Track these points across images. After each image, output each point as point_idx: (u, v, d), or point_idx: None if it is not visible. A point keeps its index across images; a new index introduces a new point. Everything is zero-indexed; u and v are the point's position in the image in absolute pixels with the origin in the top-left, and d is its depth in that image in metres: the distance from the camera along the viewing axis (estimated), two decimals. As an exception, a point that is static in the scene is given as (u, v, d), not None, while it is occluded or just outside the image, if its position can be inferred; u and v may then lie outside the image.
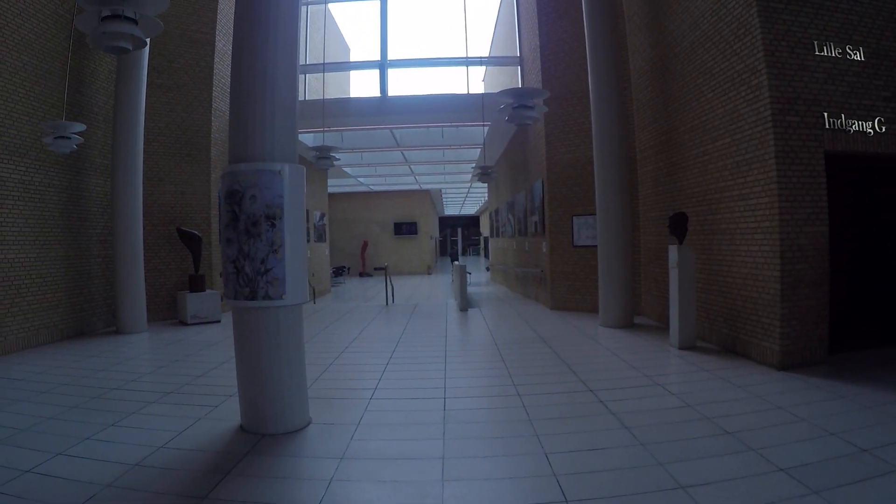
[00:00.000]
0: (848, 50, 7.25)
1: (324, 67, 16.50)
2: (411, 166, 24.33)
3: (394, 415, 5.74)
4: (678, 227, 8.54)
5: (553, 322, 11.45)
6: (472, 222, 61.77)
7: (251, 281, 5.04)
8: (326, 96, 15.17)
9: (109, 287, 11.32)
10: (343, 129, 17.22)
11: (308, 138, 16.63)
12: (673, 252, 8.48)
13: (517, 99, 8.88)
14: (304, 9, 17.26)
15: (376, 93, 15.91)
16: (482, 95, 14.69)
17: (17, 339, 9.12)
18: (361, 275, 31.49)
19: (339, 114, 15.23)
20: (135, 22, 5.26)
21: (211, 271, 12.61)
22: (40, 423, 5.45)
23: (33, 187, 9.60)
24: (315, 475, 4.26)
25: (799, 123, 7.04)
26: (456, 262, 16.16)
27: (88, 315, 10.92)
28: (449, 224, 61.62)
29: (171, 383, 7.02)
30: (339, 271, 27.87)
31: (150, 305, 11.69)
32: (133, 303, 10.83)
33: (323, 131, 15.09)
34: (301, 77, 16.12)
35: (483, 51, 21.51)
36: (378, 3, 16.87)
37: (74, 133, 8.96)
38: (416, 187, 32.53)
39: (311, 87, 17.10)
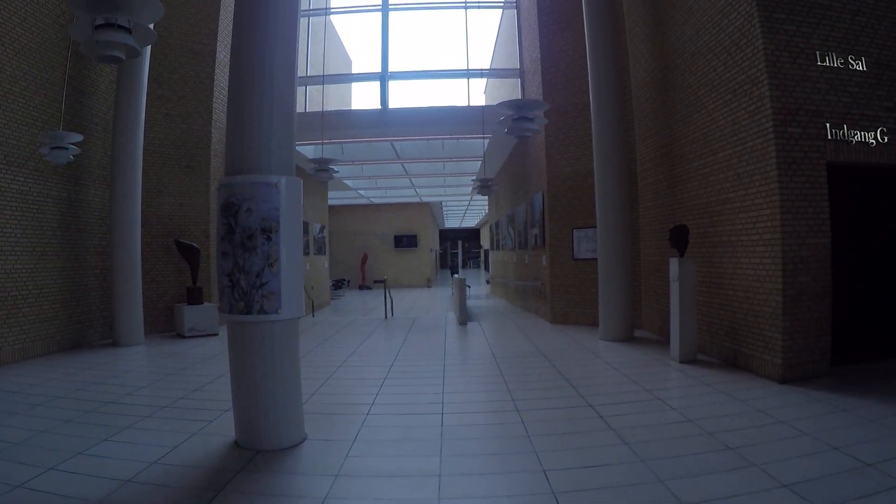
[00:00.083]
0: (850, 60, 7.21)
1: (323, 79, 16.51)
2: (412, 179, 24.33)
3: (390, 430, 5.66)
4: (679, 239, 8.48)
5: (553, 336, 11.38)
6: (472, 235, 61.81)
7: (246, 295, 4.97)
8: (328, 108, 15.16)
9: (106, 299, 11.22)
10: (343, 142, 17.21)
11: (308, 150, 16.61)
12: (674, 265, 8.42)
13: (517, 111, 8.84)
14: (305, 21, 17.33)
15: (378, 105, 15.89)
16: (483, 108, 14.67)
17: (13, 350, 9.04)
18: (361, 287, 31.45)
19: (340, 126, 15.21)
20: (129, 31, 5.22)
21: (209, 284, 12.53)
22: (34, 436, 5.37)
23: (31, 198, 9.55)
24: (309, 493, 4.18)
25: (801, 135, 7.00)
26: (456, 276, 16.09)
27: (85, 327, 10.85)
28: (449, 237, 61.62)
29: (167, 397, 6.93)
30: (338, 284, 27.80)
31: (148, 318, 11.60)
32: (130, 315, 10.74)
33: (322, 143, 15.06)
34: (301, 89, 16.17)
35: (484, 63, 21.53)
36: (379, 15, 16.90)
37: (71, 143, 8.92)
38: (416, 200, 32.53)
39: (312, 99, 17.11)
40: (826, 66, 7.14)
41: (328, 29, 19.25)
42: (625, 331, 10.45)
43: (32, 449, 5.03)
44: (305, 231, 19.13)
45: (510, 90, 17.00)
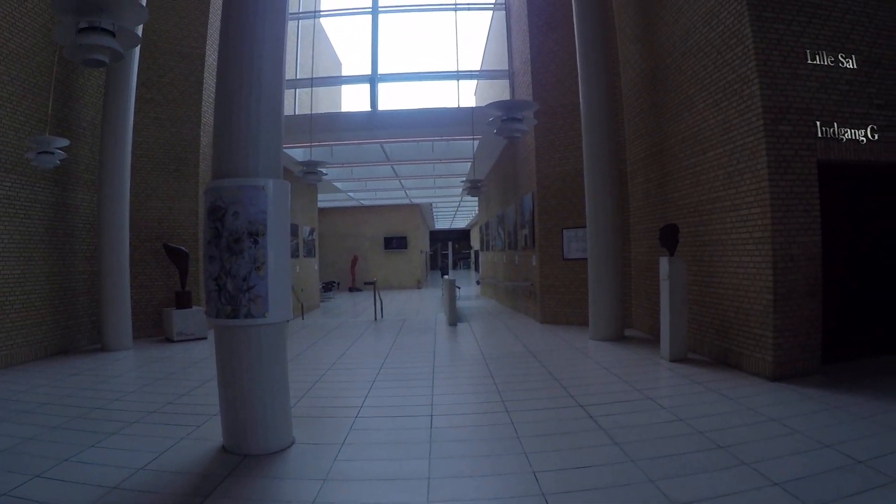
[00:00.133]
0: (840, 58, 7.22)
1: (311, 82, 16.45)
2: (401, 181, 24.26)
3: (379, 433, 5.61)
4: (669, 238, 8.47)
5: (543, 336, 11.35)
6: (462, 236, 61.75)
7: (233, 299, 4.91)
8: (319, 111, 15.10)
9: (94, 304, 11.10)
10: (333, 144, 17.13)
11: (298, 153, 16.53)
12: (664, 264, 8.41)
13: (506, 111, 8.81)
14: (295, 23, 17.27)
15: (367, 107, 15.83)
16: (472, 109, 14.61)
17: (0, 356, 8.93)
18: (351, 289, 31.32)
19: (329, 128, 15.13)
20: (112, 34, 5.16)
21: (198, 288, 12.41)
22: (20, 443, 5.28)
23: (19, 203, 9.44)
24: (297, 498, 4.12)
25: (791, 133, 7.00)
26: (445, 277, 16.04)
27: (73, 332, 10.73)
28: (439, 238, 61.52)
29: (154, 402, 6.84)
30: (328, 286, 27.69)
31: (136, 322, 11.48)
32: (118, 320, 10.63)
33: (310, 146, 14.99)
34: (290, 92, 16.09)
35: (474, 64, 21.52)
36: (369, 18, 16.85)
37: (58, 148, 8.82)
38: (406, 202, 32.45)
39: (301, 102, 17.04)
40: (816, 64, 7.14)
41: (318, 32, 19.18)
42: (615, 330, 10.42)
43: (18, 456, 4.94)
44: (295, 234, 19.05)
45: (500, 91, 16.96)
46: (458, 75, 16.71)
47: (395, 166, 20.80)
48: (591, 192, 10.62)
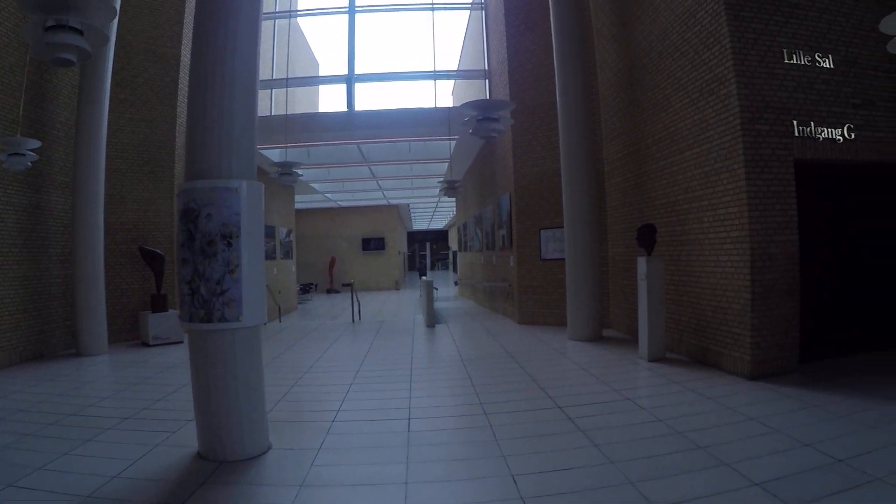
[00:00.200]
0: (817, 57, 7.25)
1: (287, 82, 16.31)
2: (379, 181, 24.15)
3: (356, 438, 5.52)
4: (646, 238, 8.46)
5: (521, 337, 11.31)
6: (440, 237, 61.74)
7: (207, 302, 4.81)
8: (296, 111, 14.95)
9: (69, 308, 10.84)
10: (309, 145, 16.99)
11: (275, 154, 16.37)
12: (641, 264, 8.39)
13: (482, 111, 8.75)
14: (272, 23, 17.13)
15: (345, 108, 15.71)
16: (449, 109, 14.55)
17: (-27, 362, 8.71)
18: (329, 291, 31.18)
19: (306, 129, 15.01)
20: (80, 33, 5.05)
21: (174, 291, 12.18)
22: (-8, 451, 5.15)
23: (-10, 206, 9.22)
24: (272, 504, 4.03)
25: (768, 132, 7.01)
26: (423, 278, 15.97)
27: (48, 337, 10.48)
28: (417, 239, 61.52)
29: (130, 408, 6.70)
30: (306, 288, 27.53)
31: (112, 326, 11.26)
32: (93, 324, 10.41)
33: (285, 147, 14.85)
34: (266, 92, 15.95)
35: (451, 64, 21.46)
36: (346, 17, 16.74)
37: (30, 150, 8.61)
38: (383, 202, 32.34)
39: (278, 102, 16.87)
40: (793, 63, 7.17)
41: (295, 32, 19.04)
42: (593, 330, 10.40)
43: (-10, 464, 4.81)
44: (272, 235, 18.92)
45: (477, 91, 16.91)
46: (435, 75, 16.63)
47: (372, 167, 20.70)
48: (568, 191, 10.60)
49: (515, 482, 4.23)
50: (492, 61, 15.61)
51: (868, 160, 7.50)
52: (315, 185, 23.81)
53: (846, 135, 7.28)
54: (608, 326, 11.52)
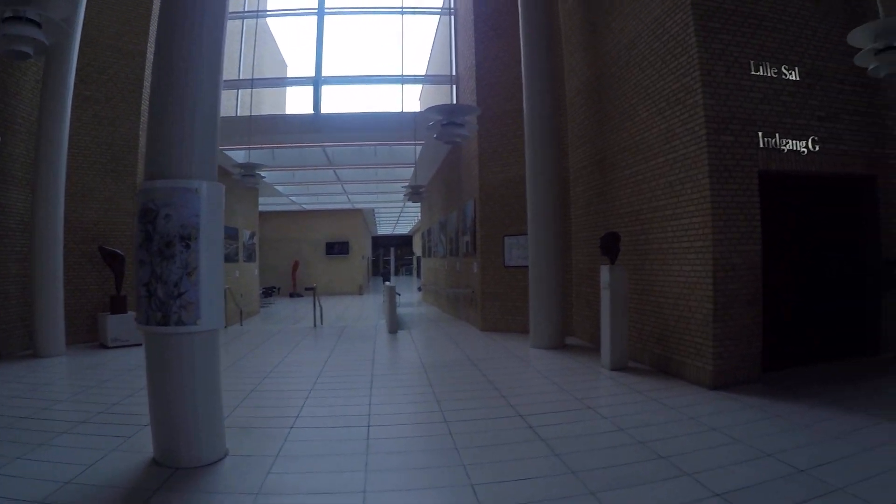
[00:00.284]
0: (784, 70, 7.33)
1: (252, 83, 16.11)
2: (344, 185, 24.01)
3: (315, 445, 5.40)
4: (610, 247, 8.45)
5: (483, 344, 11.23)
6: (405, 242, 61.63)
7: (164, 305, 4.67)
8: (263, 112, 14.75)
9: (27, 308, 10.46)
10: (274, 147, 16.79)
11: (239, 155, 16.14)
12: (605, 272, 8.37)
13: (447, 116, 8.69)
14: (240, 23, 16.91)
15: (312, 110, 15.55)
16: (416, 114, 14.48)
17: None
18: (292, 295, 30.92)
19: (271, 130, 14.81)
20: (38, 25, 4.89)
21: (134, 292, 11.93)
22: (-58, 457, 4.92)
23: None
24: (226, 512, 3.89)
25: (733, 143, 7.04)
26: (387, 283, 15.86)
27: (4, 337, 10.05)
28: (382, 244, 61.32)
29: (86, 411, 6.48)
30: (268, 291, 27.28)
31: (70, 327, 10.91)
32: (51, 325, 10.09)
33: (248, 148, 14.65)
34: (233, 93, 15.73)
35: (420, 69, 21.38)
36: (315, 19, 16.59)
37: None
38: (348, 206, 32.18)
39: (245, 103, 16.64)
40: (760, 75, 7.23)
41: (265, 32, 18.84)
42: (556, 338, 10.37)
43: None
44: (235, 238, 18.68)
45: (445, 97, 16.87)
46: (403, 79, 16.55)
47: (337, 170, 20.56)
48: (532, 199, 10.56)
49: (475, 491, 4.14)
50: (460, 67, 15.57)
51: (832, 172, 7.60)
52: (280, 188, 23.60)
53: (811, 147, 7.36)
54: (571, 334, 11.49)
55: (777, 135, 7.21)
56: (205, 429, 4.88)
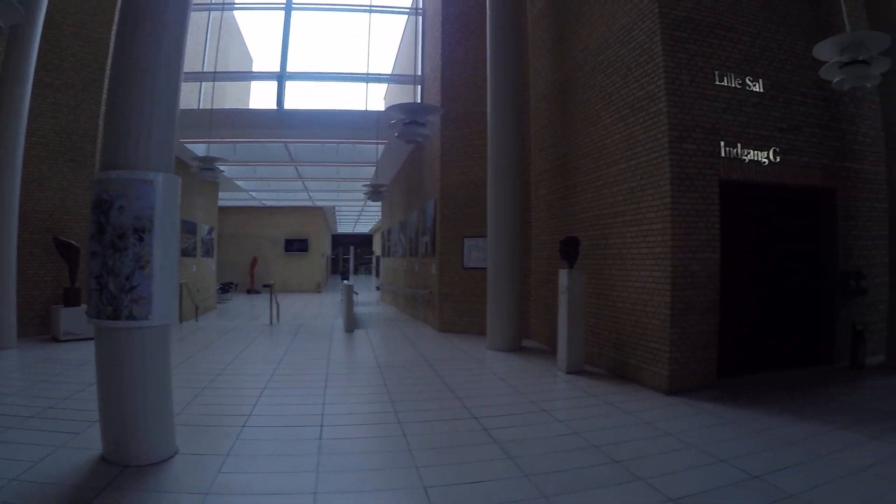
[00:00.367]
0: (748, 81, 7.44)
1: (214, 76, 15.83)
2: (305, 182, 23.77)
3: (266, 444, 5.28)
4: (569, 250, 8.46)
5: (440, 344, 11.18)
6: (365, 241, 61.33)
7: (115, 299, 4.54)
8: (226, 106, 14.51)
9: (-22, 299, 10.19)
10: (236, 141, 16.53)
11: (201, 148, 15.85)
12: (563, 276, 8.38)
13: (409, 115, 8.63)
14: (206, 14, 16.62)
15: (275, 105, 15.34)
16: (379, 113, 14.37)
17: None
18: (249, 291, 30.54)
19: (233, 124, 14.53)
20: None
21: (89, 285, 11.63)
22: None
23: None
24: (174, 513, 3.77)
25: (695, 151, 7.10)
26: (345, 282, 15.72)
27: (-46, 329, 9.79)
28: (342, 242, 60.94)
29: (34, 406, 6.28)
30: (226, 287, 26.90)
31: (22, 320, 10.54)
32: (2, 317, 9.74)
33: (210, 142, 14.40)
34: (196, 85, 15.46)
35: (386, 69, 21.27)
36: (282, 14, 16.40)
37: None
38: (309, 204, 31.89)
39: (207, 96, 16.36)
40: (724, 85, 7.33)
41: (231, 25, 18.57)
42: (513, 340, 10.35)
43: None
44: (194, 232, 18.36)
45: (410, 97, 16.77)
46: (368, 78, 16.41)
47: (299, 167, 20.35)
48: (493, 201, 10.55)
49: (427, 494, 4.09)
50: (426, 68, 15.51)
51: (793, 184, 7.73)
52: (240, 183, 23.28)
53: (772, 158, 7.47)
54: (528, 337, 11.50)
55: (739, 145, 7.30)
56: (155, 426, 4.76)
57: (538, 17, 11.26)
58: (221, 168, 13.42)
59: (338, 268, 57.97)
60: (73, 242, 11.27)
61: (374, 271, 53.37)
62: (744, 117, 7.38)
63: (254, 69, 21.96)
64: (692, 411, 6.18)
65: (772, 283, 7.98)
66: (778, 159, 7.51)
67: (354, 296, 14.32)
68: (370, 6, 16.60)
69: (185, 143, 14.72)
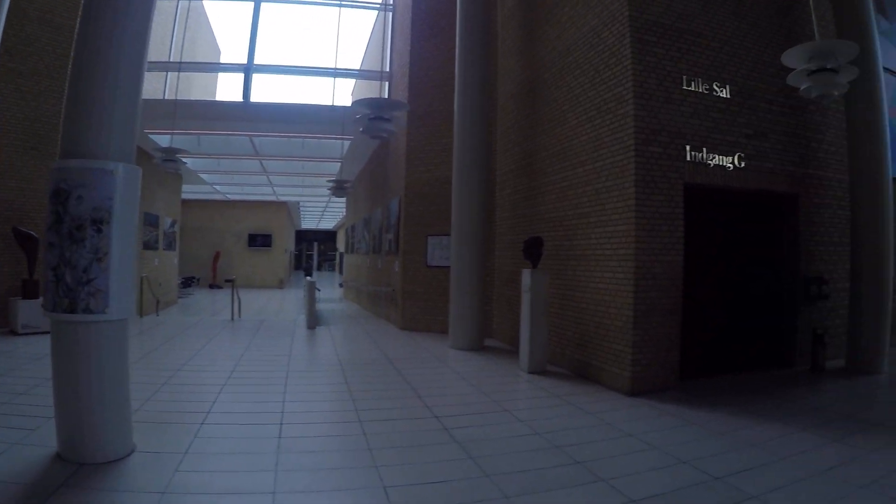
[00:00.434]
0: (715, 87, 7.53)
1: (180, 66, 15.58)
2: (270, 176, 23.53)
3: (224, 442, 5.18)
4: (532, 250, 8.46)
5: (402, 343, 11.12)
6: (329, 237, 61.01)
7: (71, 291, 4.41)
8: (192, 97, 14.28)
9: (-66, 292, 9.87)
10: (201, 133, 16.29)
11: (165, 139, 15.58)
12: (526, 276, 8.38)
13: (375, 110, 8.57)
14: (175, 3, 16.35)
15: (241, 98, 15.14)
16: (346, 109, 14.26)
17: None
18: (212, 286, 30.15)
19: (198, 116, 14.30)
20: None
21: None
22: None
23: None
24: (130, 513, 3.66)
25: (661, 154, 7.14)
26: (307, 278, 15.58)
27: None
28: (306, 238, 60.55)
29: (-11, 402, 6.09)
30: (188, 282, 26.53)
31: (-21, 312, 10.30)
32: (-41, 309, 9.53)
33: (174, 133, 14.16)
34: (162, 75, 15.19)
35: (354, 64, 21.13)
36: (252, 5, 16.19)
37: None
38: (273, 198, 31.60)
39: (172, 86, 16.09)
40: (691, 90, 7.40)
41: (200, 16, 18.28)
42: (475, 339, 10.33)
43: None
44: (156, 225, 18.06)
45: (378, 93, 16.69)
46: (336, 73, 16.29)
47: (263, 161, 20.13)
48: (458, 200, 10.52)
49: (387, 494, 4.03)
50: (394, 64, 15.42)
51: (757, 189, 7.82)
52: (204, 176, 22.96)
53: (737, 163, 7.56)
54: (491, 336, 11.50)
55: (704, 149, 7.37)
56: (111, 423, 4.63)
57: (508, 17, 11.26)
58: (185, 160, 13.21)
59: (301, 264, 57.54)
60: (32, 233, 10.96)
61: (337, 268, 53.08)
62: (710, 122, 7.45)
63: (222, 61, 21.70)
64: (654, 413, 6.21)
65: (736, 287, 8.08)
66: (743, 165, 7.60)
67: (317, 292, 14.20)
68: (340, 1, 16.48)
69: (149, 133, 14.47)
